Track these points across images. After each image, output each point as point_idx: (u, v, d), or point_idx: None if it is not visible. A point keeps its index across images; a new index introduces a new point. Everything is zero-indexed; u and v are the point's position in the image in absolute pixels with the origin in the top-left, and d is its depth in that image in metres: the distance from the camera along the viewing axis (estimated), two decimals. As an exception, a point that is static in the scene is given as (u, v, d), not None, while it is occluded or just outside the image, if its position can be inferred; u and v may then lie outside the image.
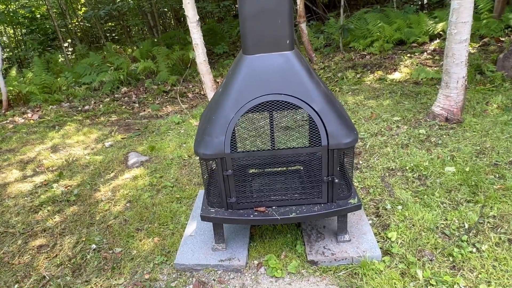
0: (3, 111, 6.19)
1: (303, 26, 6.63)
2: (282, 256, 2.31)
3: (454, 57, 3.40)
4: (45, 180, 3.56)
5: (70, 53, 12.55)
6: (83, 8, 14.17)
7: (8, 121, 5.73)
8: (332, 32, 7.68)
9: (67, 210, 3.06)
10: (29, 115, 6.04)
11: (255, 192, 2.26)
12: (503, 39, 5.83)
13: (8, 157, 4.17)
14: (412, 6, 8.28)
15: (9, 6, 13.26)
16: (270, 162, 2.32)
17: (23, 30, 14.88)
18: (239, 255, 2.32)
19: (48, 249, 2.63)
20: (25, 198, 3.29)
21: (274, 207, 2.17)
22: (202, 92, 6.45)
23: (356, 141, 2.02)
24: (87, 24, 14.71)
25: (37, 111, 6.33)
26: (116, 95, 6.94)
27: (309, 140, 2.32)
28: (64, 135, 4.72)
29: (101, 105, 6.28)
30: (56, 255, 2.56)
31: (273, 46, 1.92)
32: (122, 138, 4.39)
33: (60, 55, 11.86)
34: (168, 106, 5.85)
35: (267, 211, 2.14)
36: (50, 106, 6.41)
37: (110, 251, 2.55)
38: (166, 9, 11.59)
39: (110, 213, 2.95)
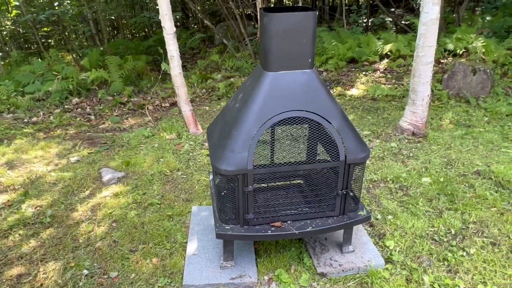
0: None
1: (264, 41, 6.77)
2: (292, 270, 2.33)
3: (421, 77, 3.73)
4: (8, 200, 3.20)
5: (-1, 58, 11.41)
6: (14, 11, 13.03)
7: None
8: (288, 48, 7.95)
9: (43, 234, 2.77)
10: (-34, 127, 5.37)
11: (269, 207, 2.26)
12: (443, 61, 6.52)
13: (-46, 176, 3.67)
14: (358, 27, 8.90)
15: None
16: (287, 176, 2.34)
17: None
18: (249, 271, 2.29)
19: (30, 278, 2.37)
20: (-12, 222, 2.92)
21: (289, 222, 2.19)
22: (163, 104, 6.27)
23: (369, 156, 2.14)
24: (18, 29, 13.53)
25: (-26, 122, 5.65)
26: (66, 106, 6.46)
27: (322, 155, 2.39)
28: (17, 150, 4.27)
29: (51, 117, 5.80)
30: (42, 284, 2.31)
31: (296, 64, 1.97)
32: (89, 153, 4.10)
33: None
34: (129, 119, 5.59)
35: (283, 226, 2.15)
36: (-10, 117, 5.77)
37: (105, 276, 2.36)
38: (113, 17, 11.10)
39: (95, 235, 2.74)
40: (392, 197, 3.04)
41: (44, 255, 2.56)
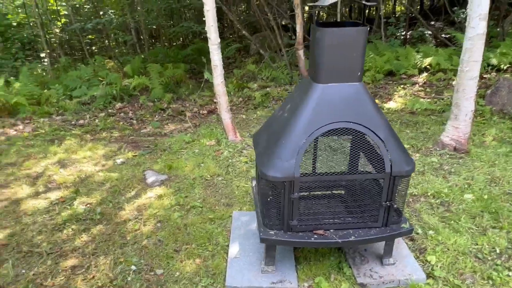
0: (-10, 122, 5.87)
1: (301, 52, 6.87)
2: (331, 278, 2.36)
3: (465, 92, 3.68)
4: (61, 197, 3.42)
5: (47, 63, 12.12)
6: (63, 19, 13.82)
7: (-2, 132, 5.44)
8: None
9: (93, 229, 2.95)
10: (20, 127, 5.77)
11: (313, 214, 2.32)
12: (486, 76, 6.35)
13: (13, 171, 3.95)
14: (396, 40, 8.83)
15: (-16, 12, 12.86)
16: (330, 185, 2.40)
17: (-4, 38, 14.29)
18: (289, 277, 2.35)
19: (83, 270, 2.53)
20: (44, 216, 3.13)
21: (331, 230, 2.24)
22: (201, 112, 6.47)
23: (414, 169, 2.15)
24: (65, 36, 14.30)
25: (28, 123, 6.06)
26: (110, 110, 6.79)
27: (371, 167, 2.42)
28: (67, 150, 4.55)
29: (97, 120, 6.12)
30: (93, 277, 2.46)
31: (345, 76, 2.04)
32: (133, 156, 4.30)
33: (38, 66, 11.44)
34: (169, 124, 5.81)
35: (326, 234, 2.20)
36: (42, 119, 6.17)
37: (152, 273, 2.49)
38: (154, 27, 11.57)
39: (142, 233, 2.88)
40: (433, 212, 3.01)
41: (95, 249, 2.72)
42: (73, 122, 6.10)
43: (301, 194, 2.49)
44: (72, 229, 2.96)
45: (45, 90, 7.55)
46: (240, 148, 4.28)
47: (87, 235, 2.88)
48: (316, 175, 2.12)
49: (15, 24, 13.82)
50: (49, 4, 13.72)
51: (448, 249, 2.59)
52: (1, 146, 4.78)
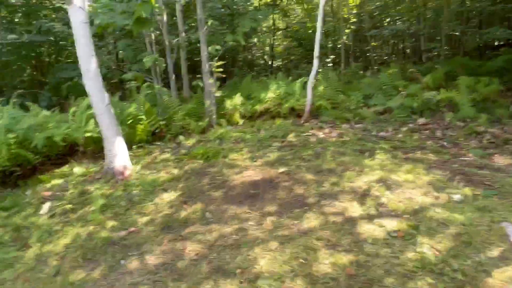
0: (301, 121, 6.29)
1: None
2: None
3: None
4: (399, 230, 2.91)
5: (340, 69, 12.79)
6: (351, 27, 14.30)
7: (309, 133, 5.70)
8: None
9: (456, 294, 2.25)
10: (326, 130, 5.89)
11: None
12: None
13: (337, 181, 3.82)
14: None
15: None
16: None
17: (293, 43, 16.53)
18: None
19: None
20: (385, 250, 2.69)
21: None
22: (540, 145, 4.84)
23: None
24: (349, 43, 14.80)
25: (331, 127, 6.17)
26: (410, 125, 6.11)
27: None
28: (383, 167, 4.11)
29: (399, 135, 5.56)
30: None
31: None
32: (474, 194, 3.39)
33: (329, 72, 12.23)
34: (497, 155, 4.55)
35: None
36: (343, 125, 6.15)
37: None
38: (457, 33, 10.16)
39: (538, 331, 1.96)
40: None
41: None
42: (373, 133, 5.77)
43: None
44: (427, 283, 2.35)
45: (341, 96, 7.67)
46: None
47: (450, 300, 2.21)
48: None
49: (310, 31, 15.41)
50: (342, 13, 14.52)
51: None
52: (316, 149, 4.88)
